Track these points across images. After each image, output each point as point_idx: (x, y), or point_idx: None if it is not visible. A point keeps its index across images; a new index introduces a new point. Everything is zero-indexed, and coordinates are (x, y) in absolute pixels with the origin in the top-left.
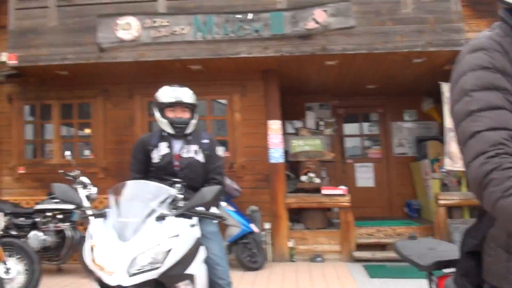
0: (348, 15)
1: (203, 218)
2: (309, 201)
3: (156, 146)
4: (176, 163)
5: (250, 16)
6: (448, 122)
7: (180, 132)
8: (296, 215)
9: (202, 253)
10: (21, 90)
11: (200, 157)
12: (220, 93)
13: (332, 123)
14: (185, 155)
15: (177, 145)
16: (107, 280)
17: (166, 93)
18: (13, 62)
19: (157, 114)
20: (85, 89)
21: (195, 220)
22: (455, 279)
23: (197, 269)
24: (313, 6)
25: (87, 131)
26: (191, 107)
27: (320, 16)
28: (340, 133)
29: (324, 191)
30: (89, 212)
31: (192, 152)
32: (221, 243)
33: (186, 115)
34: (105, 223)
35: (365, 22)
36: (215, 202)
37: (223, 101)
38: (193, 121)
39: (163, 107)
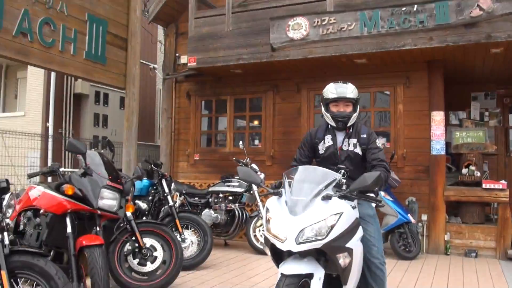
0: None
1: (362, 201)
2: (468, 195)
3: (322, 139)
4: (338, 154)
5: (415, 8)
6: None
7: (342, 125)
8: (454, 208)
9: (360, 231)
10: (198, 87)
11: (358, 150)
12: (383, 85)
13: (497, 113)
14: (345, 147)
15: (340, 137)
16: (280, 245)
17: (330, 90)
18: (193, 64)
19: (323, 109)
20: (257, 85)
21: (355, 202)
22: None
23: (355, 244)
24: None
25: (256, 122)
26: (353, 102)
27: (485, 2)
28: (505, 124)
29: (485, 185)
30: (263, 191)
31: (352, 145)
32: (378, 226)
33: (348, 109)
34: (279, 200)
35: None
36: (375, 186)
37: (386, 92)
38: (354, 115)
39: (328, 102)
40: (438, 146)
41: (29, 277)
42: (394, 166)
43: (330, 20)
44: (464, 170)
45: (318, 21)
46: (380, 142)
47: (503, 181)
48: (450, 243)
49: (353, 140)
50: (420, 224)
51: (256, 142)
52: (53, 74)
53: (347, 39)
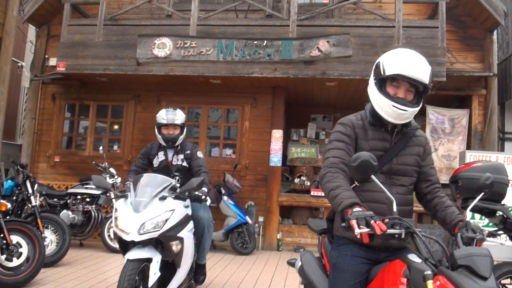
0: (347, 46)
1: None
2: (298, 200)
3: (156, 155)
4: (170, 167)
5: (264, 42)
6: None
7: (170, 145)
8: (288, 212)
9: (190, 225)
10: (63, 91)
11: (185, 164)
12: (234, 104)
13: None
14: (175, 162)
15: (170, 154)
16: (125, 237)
17: (162, 116)
18: (62, 69)
19: (156, 131)
20: (120, 94)
21: (188, 202)
22: (327, 236)
23: (186, 235)
24: (318, 37)
25: (116, 127)
26: (180, 126)
27: (323, 45)
28: None
29: (313, 193)
30: (115, 195)
31: (180, 160)
32: (207, 208)
33: (176, 131)
34: (125, 202)
35: (361, 52)
36: (199, 188)
37: (236, 110)
38: (181, 136)
39: (160, 126)
40: (275, 159)
41: None
42: (238, 174)
43: (192, 44)
44: (296, 180)
45: (181, 43)
46: (200, 153)
47: None
48: (282, 241)
49: (181, 156)
50: (257, 224)
51: (115, 147)
52: None
53: (205, 62)
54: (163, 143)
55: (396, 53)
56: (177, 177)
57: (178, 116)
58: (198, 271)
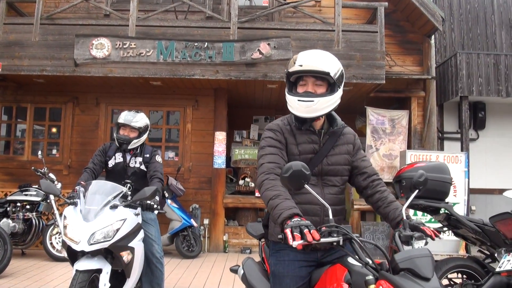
0: (288, 48)
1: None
2: (243, 202)
3: (112, 156)
4: (126, 170)
5: (205, 44)
6: (369, 139)
7: (124, 146)
8: (233, 213)
9: (141, 233)
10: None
11: (143, 167)
12: (175, 106)
13: None
14: (132, 165)
15: (128, 156)
16: (75, 247)
17: (122, 116)
18: None
19: (115, 130)
20: (58, 96)
21: (138, 210)
22: (265, 241)
23: (137, 244)
24: (259, 40)
25: (54, 130)
26: (138, 129)
27: (264, 48)
28: None
29: (257, 194)
30: (60, 201)
31: (138, 163)
32: (158, 227)
33: (132, 134)
34: (75, 209)
35: None
36: (152, 197)
37: (177, 112)
38: (135, 140)
39: (119, 126)
40: (219, 161)
41: None
42: (181, 177)
43: (131, 44)
44: (241, 182)
45: (120, 44)
46: (159, 157)
47: None
48: (228, 243)
49: (139, 159)
50: (202, 227)
51: (54, 151)
52: None
53: (145, 63)
54: (116, 144)
55: (298, 54)
56: (128, 185)
57: (138, 119)
58: None
